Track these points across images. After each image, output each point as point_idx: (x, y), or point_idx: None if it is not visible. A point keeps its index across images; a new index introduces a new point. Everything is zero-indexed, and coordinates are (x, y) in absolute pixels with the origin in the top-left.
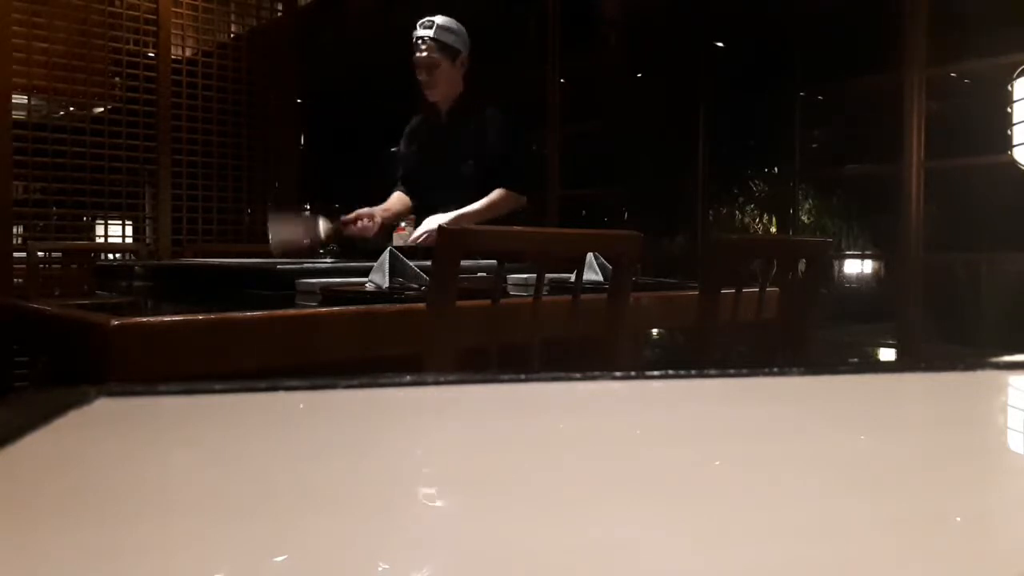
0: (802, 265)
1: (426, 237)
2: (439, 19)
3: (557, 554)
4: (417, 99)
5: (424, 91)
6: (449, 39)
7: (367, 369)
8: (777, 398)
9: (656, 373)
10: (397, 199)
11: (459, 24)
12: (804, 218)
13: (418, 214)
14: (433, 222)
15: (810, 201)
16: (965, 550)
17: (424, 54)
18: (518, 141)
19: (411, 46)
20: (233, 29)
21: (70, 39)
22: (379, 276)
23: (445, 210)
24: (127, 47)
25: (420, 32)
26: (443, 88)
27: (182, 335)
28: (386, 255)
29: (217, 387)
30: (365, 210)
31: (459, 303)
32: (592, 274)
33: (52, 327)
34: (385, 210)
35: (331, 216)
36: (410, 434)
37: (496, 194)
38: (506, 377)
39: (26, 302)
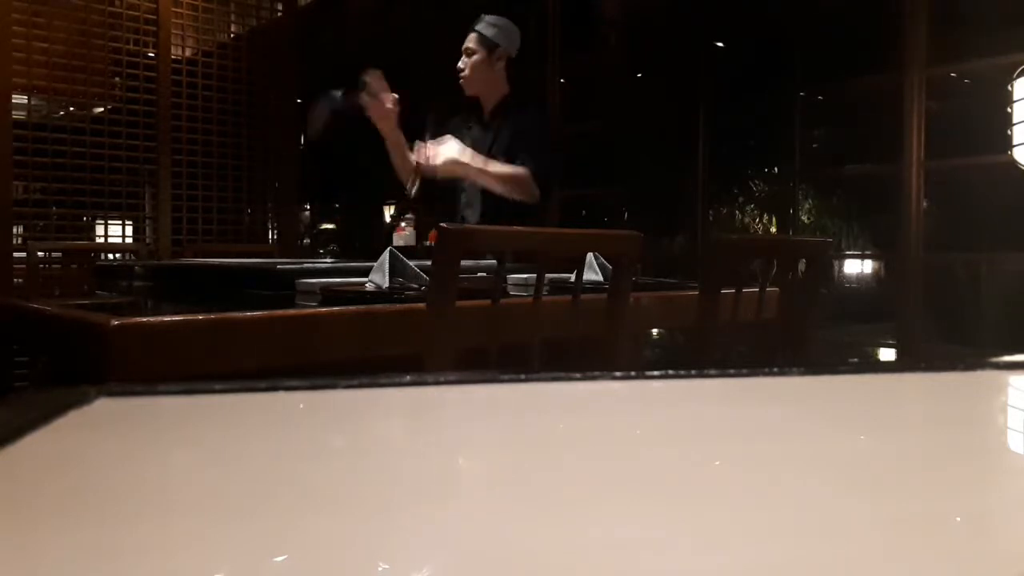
0: (802, 265)
1: (434, 158)
2: (489, 16)
3: (557, 554)
4: (420, 99)
5: (461, 83)
6: (491, 32)
7: (367, 369)
8: (777, 398)
9: (656, 373)
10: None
11: (509, 22)
12: (804, 218)
13: (439, 216)
14: (452, 149)
15: (810, 201)
16: (965, 550)
17: (466, 44)
18: (552, 143)
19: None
20: (233, 29)
21: (70, 39)
22: (379, 276)
23: (472, 211)
24: (127, 47)
25: (473, 25)
26: (478, 83)
27: (182, 335)
28: (386, 255)
29: (217, 387)
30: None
31: (459, 303)
32: (592, 274)
33: (52, 327)
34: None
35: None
36: (410, 434)
37: (519, 170)
38: (506, 377)
39: (26, 302)
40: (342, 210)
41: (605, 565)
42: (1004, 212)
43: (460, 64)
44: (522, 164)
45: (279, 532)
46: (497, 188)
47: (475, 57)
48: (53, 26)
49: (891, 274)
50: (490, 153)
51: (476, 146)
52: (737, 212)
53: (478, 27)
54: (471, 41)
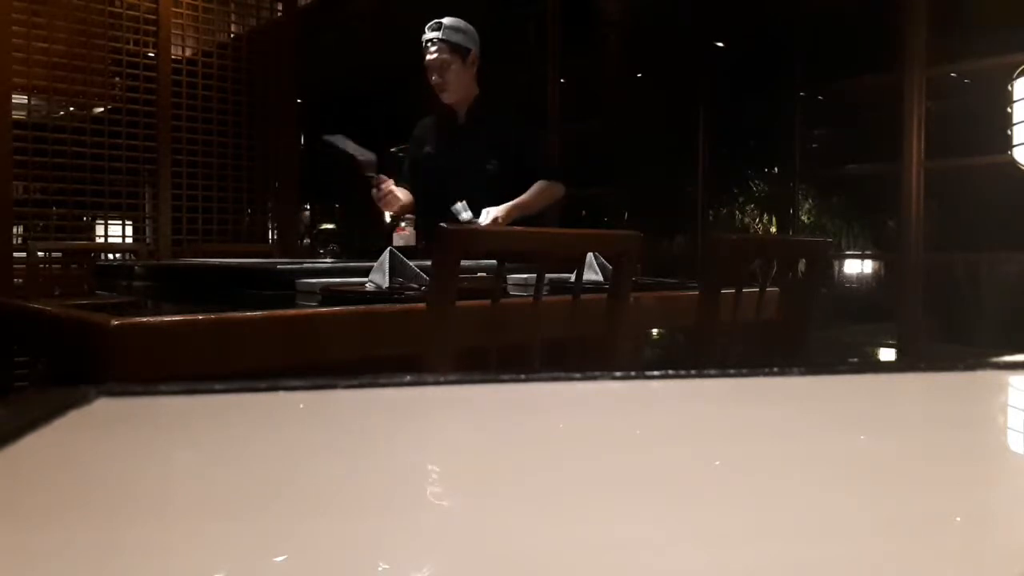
0: (802, 265)
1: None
2: (447, 20)
3: (557, 554)
4: (420, 99)
5: (438, 93)
6: (458, 38)
7: (367, 369)
8: (777, 398)
9: (656, 373)
10: (404, 194)
11: (467, 23)
12: (804, 218)
13: (426, 215)
14: (492, 213)
15: (810, 201)
16: (965, 550)
17: (435, 56)
18: (543, 137)
19: (421, 50)
20: (233, 29)
21: (70, 39)
22: (379, 276)
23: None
24: (127, 47)
25: (429, 34)
26: (456, 89)
27: (182, 335)
28: (386, 255)
29: (217, 387)
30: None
31: (459, 303)
32: (592, 274)
33: (52, 327)
34: (402, 205)
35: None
36: (410, 434)
37: (539, 186)
38: (506, 377)
39: (26, 302)
40: (342, 210)
41: (605, 565)
42: (1004, 212)
43: (436, 78)
44: (538, 177)
45: (279, 532)
46: (537, 210)
47: (453, 67)
48: (53, 26)
49: (891, 274)
50: (468, 156)
51: (456, 149)
52: (737, 212)
53: (443, 35)
54: (440, 51)
